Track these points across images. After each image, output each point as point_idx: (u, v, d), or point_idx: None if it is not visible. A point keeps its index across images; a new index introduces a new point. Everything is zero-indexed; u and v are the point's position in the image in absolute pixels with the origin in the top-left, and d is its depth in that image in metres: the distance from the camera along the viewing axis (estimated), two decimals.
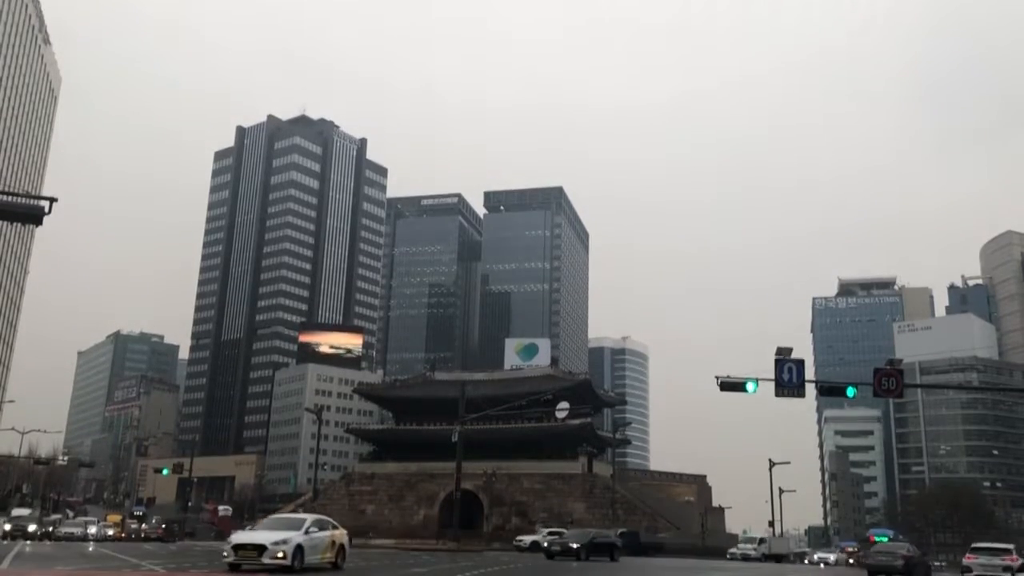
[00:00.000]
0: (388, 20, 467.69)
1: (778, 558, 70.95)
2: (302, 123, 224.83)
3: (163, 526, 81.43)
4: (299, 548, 23.15)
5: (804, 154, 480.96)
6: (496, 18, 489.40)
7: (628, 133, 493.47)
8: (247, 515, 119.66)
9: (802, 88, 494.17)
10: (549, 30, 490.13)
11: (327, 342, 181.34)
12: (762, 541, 74.84)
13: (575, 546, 42.88)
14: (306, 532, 23.89)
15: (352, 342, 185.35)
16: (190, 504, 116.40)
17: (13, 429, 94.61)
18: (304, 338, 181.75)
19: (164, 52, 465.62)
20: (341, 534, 26.25)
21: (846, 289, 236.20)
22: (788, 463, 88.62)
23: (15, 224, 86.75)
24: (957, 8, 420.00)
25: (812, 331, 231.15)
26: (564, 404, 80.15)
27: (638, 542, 67.34)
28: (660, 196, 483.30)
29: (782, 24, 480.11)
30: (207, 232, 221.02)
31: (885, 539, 75.76)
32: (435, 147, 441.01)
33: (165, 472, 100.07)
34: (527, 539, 69.01)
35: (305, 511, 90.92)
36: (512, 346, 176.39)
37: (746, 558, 67.79)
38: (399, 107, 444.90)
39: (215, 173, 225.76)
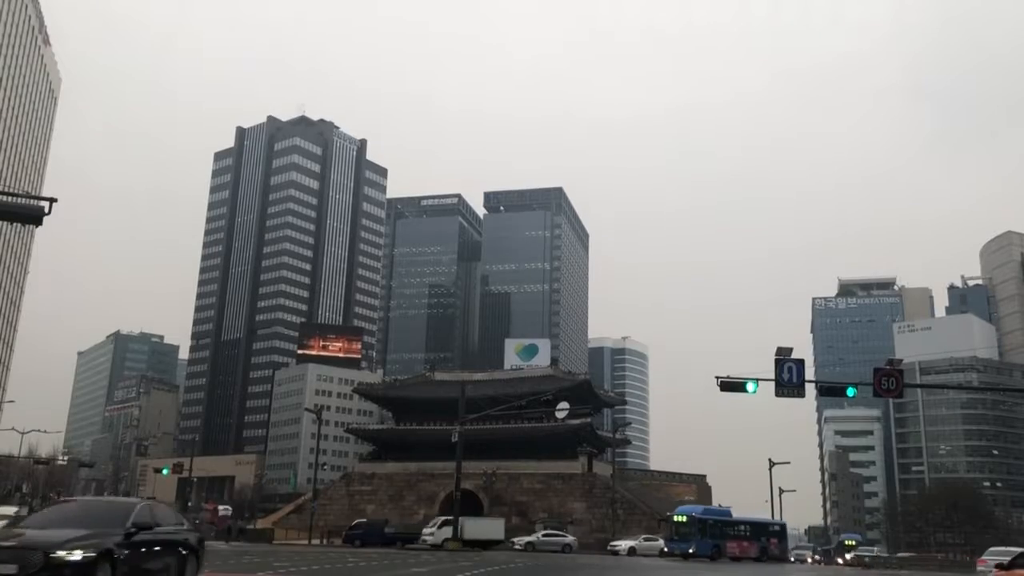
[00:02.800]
0: (390, 26, 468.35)
1: (484, 545, 59.43)
2: (302, 124, 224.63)
3: None
4: None
5: (803, 157, 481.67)
6: (497, 28, 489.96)
7: (629, 142, 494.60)
8: (247, 515, 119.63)
9: (802, 95, 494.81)
10: (550, 42, 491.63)
11: (327, 345, 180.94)
12: (445, 524, 61.01)
13: (77, 558, 12.29)
14: None
15: (351, 347, 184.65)
16: (190, 504, 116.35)
17: (13, 429, 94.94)
18: (304, 339, 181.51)
19: (163, 56, 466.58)
20: None
21: (846, 289, 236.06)
22: (788, 463, 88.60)
23: (15, 224, 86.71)
24: (956, 13, 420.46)
25: (812, 331, 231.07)
26: (564, 404, 79.92)
27: (382, 533, 65.03)
28: (661, 202, 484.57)
29: (782, 33, 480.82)
30: (207, 232, 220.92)
31: (684, 518, 57.01)
32: (435, 149, 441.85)
33: (165, 472, 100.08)
34: None
35: (305, 512, 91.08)
36: (512, 346, 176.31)
37: (438, 546, 58.41)
38: (399, 109, 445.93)
39: (215, 174, 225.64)
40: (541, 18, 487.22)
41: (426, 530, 63.52)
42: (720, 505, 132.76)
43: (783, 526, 65.69)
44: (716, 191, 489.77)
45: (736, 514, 64.75)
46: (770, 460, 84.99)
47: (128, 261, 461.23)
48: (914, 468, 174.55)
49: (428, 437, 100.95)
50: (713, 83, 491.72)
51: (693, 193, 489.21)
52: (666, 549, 58.54)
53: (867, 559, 75.75)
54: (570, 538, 67.87)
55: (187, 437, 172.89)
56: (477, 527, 63.24)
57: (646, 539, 65.70)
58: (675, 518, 57.99)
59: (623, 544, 63.96)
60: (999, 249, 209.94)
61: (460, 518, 64.66)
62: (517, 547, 63.43)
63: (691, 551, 54.03)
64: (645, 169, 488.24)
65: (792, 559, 72.13)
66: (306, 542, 69.86)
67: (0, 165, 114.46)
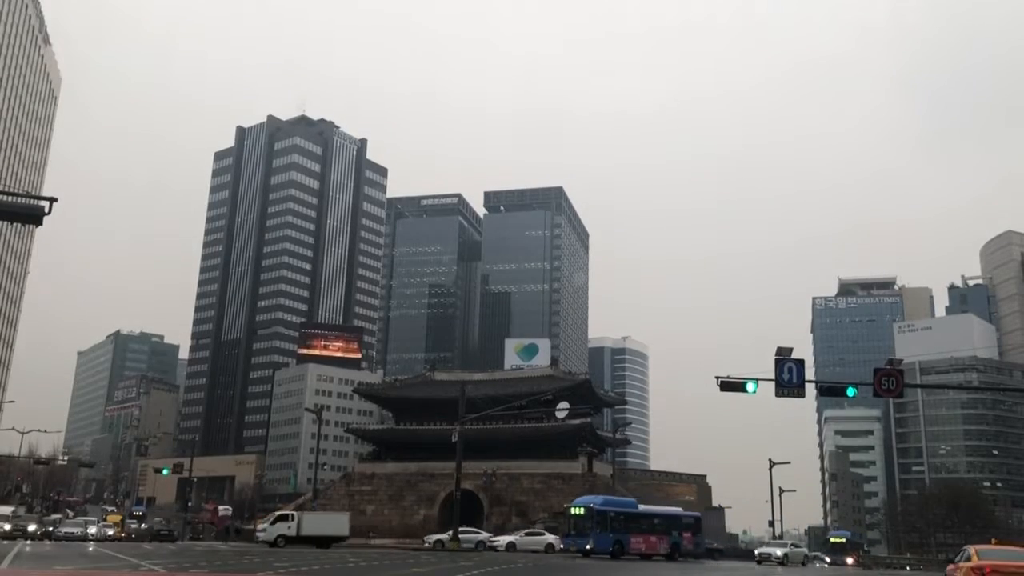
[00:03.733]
0: (389, 25, 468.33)
1: (325, 542, 56.19)
2: (302, 123, 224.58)
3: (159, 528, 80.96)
4: None
5: (803, 158, 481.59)
6: (497, 26, 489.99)
7: (628, 138, 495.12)
8: (247, 515, 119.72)
9: (801, 93, 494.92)
10: (549, 39, 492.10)
11: (327, 345, 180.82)
12: (279, 520, 58.67)
13: None
14: None
15: (351, 347, 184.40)
16: (190, 504, 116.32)
17: (13, 429, 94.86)
18: (304, 339, 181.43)
19: (163, 57, 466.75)
20: None
21: (846, 289, 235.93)
22: (788, 463, 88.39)
23: (15, 224, 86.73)
24: (956, 11, 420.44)
25: (812, 331, 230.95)
26: (564, 404, 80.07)
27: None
28: (660, 200, 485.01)
29: (781, 30, 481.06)
30: (207, 232, 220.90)
31: (581, 510, 50.37)
32: (435, 148, 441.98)
33: (165, 472, 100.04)
34: None
35: (305, 511, 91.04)
36: (512, 346, 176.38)
37: (271, 544, 55.32)
38: (399, 109, 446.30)
39: (215, 173, 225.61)
40: (540, 17, 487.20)
41: (260, 526, 60.44)
42: (720, 505, 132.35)
43: (698, 518, 59.66)
44: (716, 185, 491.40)
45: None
46: (770, 460, 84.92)
47: (128, 261, 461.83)
48: (914, 468, 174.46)
49: (428, 437, 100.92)
50: (712, 79, 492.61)
51: (693, 188, 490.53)
52: (561, 545, 52.72)
53: (780, 556, 56.92)
54: (483, 535, 65.29)
55: (187, 437, 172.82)
56: (317, 522, 59.57)
57: (527, 534, 62.58)
58: (571, 510, 50.76)
59: (501, 539, 60.98)
60: (999, 249, 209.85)
61: (298, 512, 61.44)
62: (427, 544, 61.50)
63: (588, 547, 47.82)
64: (646, 166, 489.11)
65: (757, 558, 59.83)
66: None
67: (0, 165, 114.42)
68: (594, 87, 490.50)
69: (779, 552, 56.28)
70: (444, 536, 63.32)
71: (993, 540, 30.00)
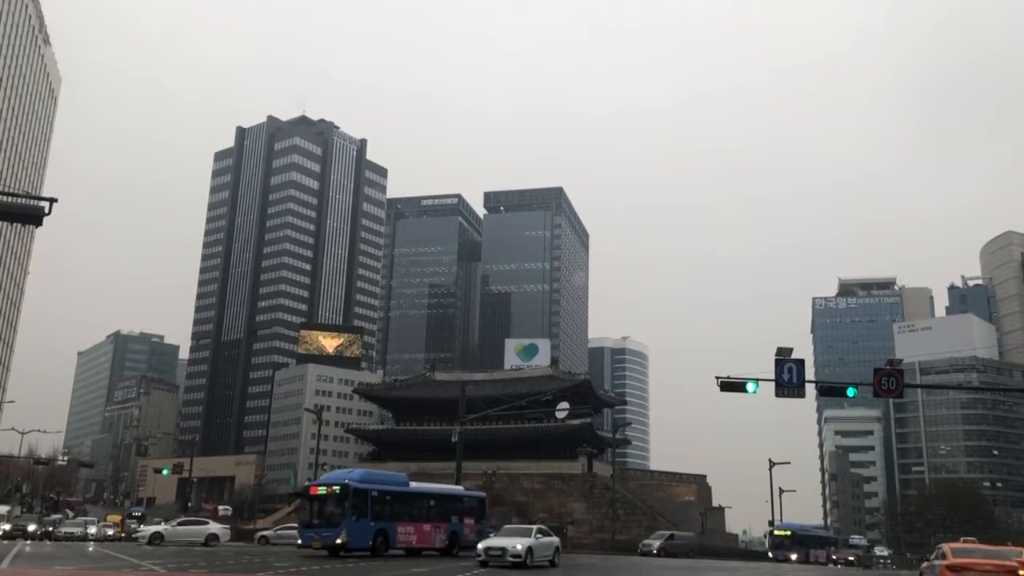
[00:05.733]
0: (389, 24, 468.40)
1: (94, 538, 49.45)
2: (302, 123, 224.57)
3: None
4: None
5: (803, 156, 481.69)
6: (497, 24, 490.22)
7: (628, 138, 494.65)
8: (247, 515, 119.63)
9: (800, 93, 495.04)
10: (549, 37, 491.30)
11: (327, 342, 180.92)
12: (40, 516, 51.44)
13: None
14: None
15: (352, 348, 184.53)
16: (190, 504, 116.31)
17: (13, 429, 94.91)
18: (304, 338, 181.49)
19: (163, 57, 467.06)
20: None
21: (846, 289, 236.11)
22: (788, 463, 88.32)
23: (15, 225, 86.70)
24: (954, 12, 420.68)
25: (812, 331, 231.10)
26: (564, 404, 80.00)
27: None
28: (660, 200, 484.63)
29: (781, 30, 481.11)
30: (207, 232, 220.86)
31: (330, 489, 37.04)
32: (435, 148, 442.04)
33: (165, 472, 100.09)
34: None
35: None
36: (512, 346, 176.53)
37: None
38: (399, 109, 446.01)
39: (215, 174, 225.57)
40: (540, 15, 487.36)
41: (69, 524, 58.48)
42: (721, 505, 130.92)
43: (482, 500, 46.28)
44: (715, 185, 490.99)
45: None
46: (770, 460, 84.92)
47: (129, 261, 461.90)
48: (914, 468, 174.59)
49: (428, 437, 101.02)
50: (712, 77, 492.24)
51: (692, 187, 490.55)
52: (300, 541, 38.57)
53: (520, 551, 33.05)
54: (216, 527, 53.01)
55: (187, 437, 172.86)
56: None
57: (183, 523, 53.03)
58: (316, 490, 37.51)
59: (145, 529, 52.56)
60: (999, 249, 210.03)
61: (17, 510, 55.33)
62: (142, 541, 50.62)
63: (340, 541, 34.86)
64: (646, 164, 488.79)
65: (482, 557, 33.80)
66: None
67: (0, 165, 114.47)
68: (594, 86, 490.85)
69: (519, 546, 32.33)
70: (269, 533, 58.00)
71: (961, 539, 30.52)
